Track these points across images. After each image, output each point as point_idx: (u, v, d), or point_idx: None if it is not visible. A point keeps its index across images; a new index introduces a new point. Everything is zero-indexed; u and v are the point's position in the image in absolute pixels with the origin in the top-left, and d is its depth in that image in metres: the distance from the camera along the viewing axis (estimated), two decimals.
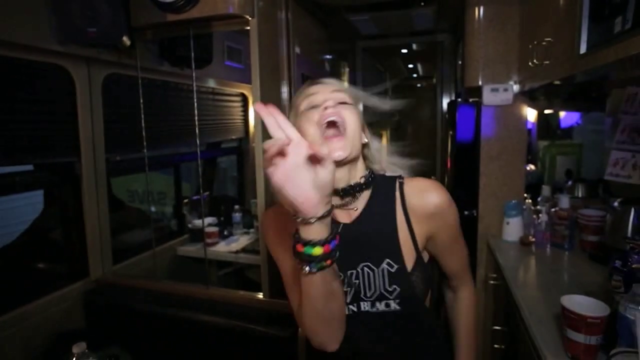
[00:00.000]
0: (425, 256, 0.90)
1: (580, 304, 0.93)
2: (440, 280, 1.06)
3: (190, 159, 2.66)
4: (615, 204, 1.54)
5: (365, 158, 0.91)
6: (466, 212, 2.00)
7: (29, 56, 1.48)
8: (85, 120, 1.73)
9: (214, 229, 2.42)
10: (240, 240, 2.44)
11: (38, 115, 1.57)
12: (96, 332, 1.69)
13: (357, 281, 0.83)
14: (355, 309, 0.83)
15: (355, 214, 0.86)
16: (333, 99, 0.81)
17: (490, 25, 1.87)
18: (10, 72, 1.45)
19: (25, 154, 1.55)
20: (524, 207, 1.88)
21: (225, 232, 2.51)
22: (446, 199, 0.86)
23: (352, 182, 0.85)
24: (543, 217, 1.74)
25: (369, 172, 0.88)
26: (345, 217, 0.86)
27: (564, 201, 1.69)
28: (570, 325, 0.93)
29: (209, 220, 2.47)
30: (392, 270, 0.82)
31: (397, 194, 0.87)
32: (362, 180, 0.86)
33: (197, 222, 2.49)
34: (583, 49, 1.06)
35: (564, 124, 2.57)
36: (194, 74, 1.76)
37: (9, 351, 1.43)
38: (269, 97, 1.61)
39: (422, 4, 2.30)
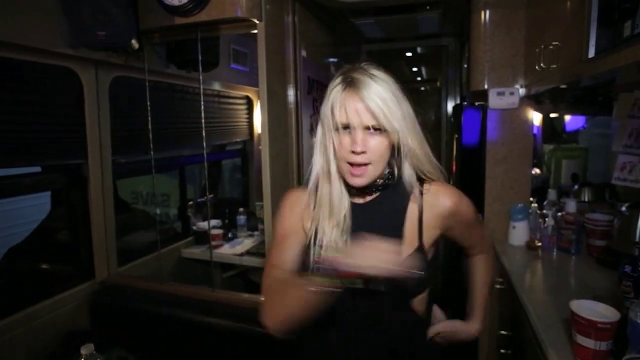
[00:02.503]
0: (430, 252, 0.91)
1: (589, 309, 0.93)
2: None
3: (196, 161, 2.67)
4: (623, 208, 1.54)
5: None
6: None
7: (40, 59, 1.49)
8: (93, 122, 1.74)
9: (219, 232, 2.42)
10: (245, 243, 2.44)
11: (47, 118, 1.58)
12: (101, 333, 1.69)
13: None
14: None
15: (369, 197, 0.91)
16: (364, 128, 0.82)
17: (497, 29, 1.87)
18: (20, 75, 1.46)
19: (35, 156, 1.56)
20: (530, 211, 1.87)
21: (230, 235, 2.52)
22: (457, 202, 0.93)
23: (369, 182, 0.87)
24: (549, 221, 1.73)
25: (387, 173, 0.90)
26: (359, 199, 0.92)
27: (571, 205, 1.68)
28: (580, 331, 0.92)
29: (213, 222, 2.47)
30: None
31: (417, 191, 0.90)
32: (380, 182, 0.89)
33: (202, 225, 2.49)
34: (591, 53, 1.05)
35: (569, 128, 2.55)
36: (201, 77, 1.76)
37: (17, 350, 1.44)
38: (276, 100, 1.62)
39: (428, 7, 2.31)
